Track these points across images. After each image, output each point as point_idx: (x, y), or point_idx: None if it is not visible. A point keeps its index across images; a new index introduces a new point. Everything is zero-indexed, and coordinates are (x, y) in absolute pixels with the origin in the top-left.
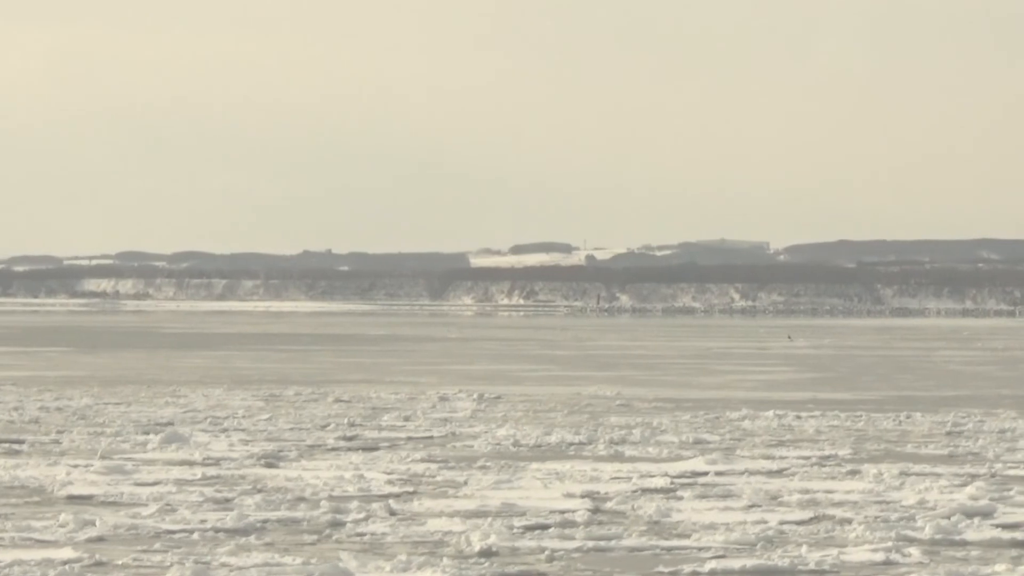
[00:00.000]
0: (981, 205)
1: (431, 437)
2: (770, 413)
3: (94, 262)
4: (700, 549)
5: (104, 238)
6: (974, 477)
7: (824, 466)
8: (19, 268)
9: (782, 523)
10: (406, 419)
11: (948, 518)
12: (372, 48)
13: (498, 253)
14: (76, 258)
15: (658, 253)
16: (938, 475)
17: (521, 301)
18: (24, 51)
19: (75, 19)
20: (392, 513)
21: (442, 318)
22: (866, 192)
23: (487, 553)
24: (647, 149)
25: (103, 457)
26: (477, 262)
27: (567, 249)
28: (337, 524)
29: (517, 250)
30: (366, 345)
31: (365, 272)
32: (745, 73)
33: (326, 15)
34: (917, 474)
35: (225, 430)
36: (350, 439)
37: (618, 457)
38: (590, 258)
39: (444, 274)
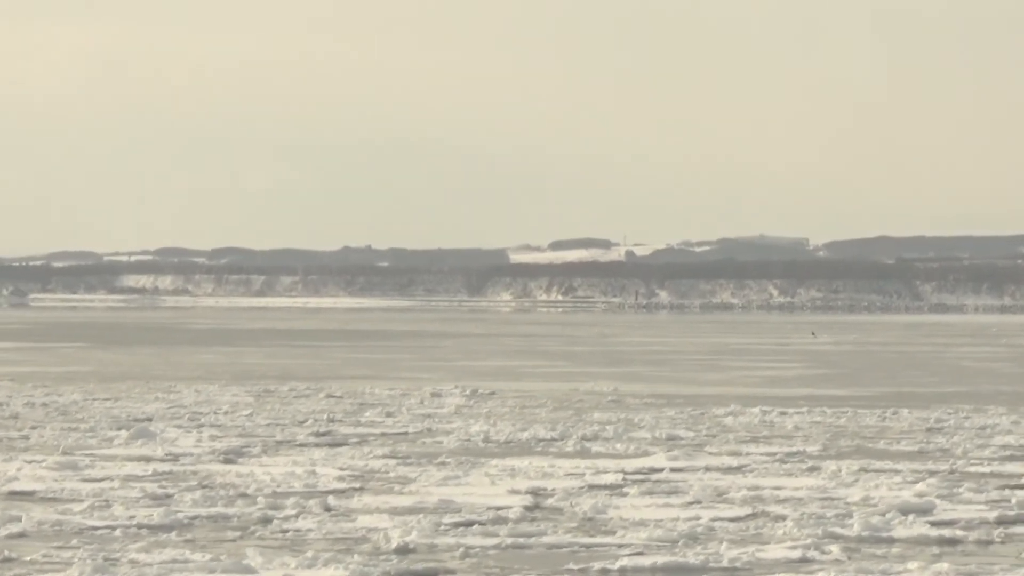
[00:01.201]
0: (1021, 201)
1: (405, 433)
2: (756, 409)
3: (134, 258)
4: (620, 546)
5: (144, 234)
6: (932, 474)
7: (786, 463)
8: (58, 264)
9: (715, 520)
10: (388, 415)
11: (883, 515)
12: (413, 44)
13: (537, 249)
14: (116, 254)
15: (697, 249)
16: (896, 471)
17: (559, 297)
18: (64, 49)
19: (115, 17)
20: (327, 509)
21: (476, 314)
22: (906, 188)
23: (403, 550)
24: (687, 145)
25: (64, 453)
26: (516, 258)
27: (607, 245)
28: (266, 520)
29: (557, 246)
30: (387, 341)
31: (404, 268)
32: (786, 69)
33: (363, 12)
34: (876, 470)
35: (201, 426)
36: (322, 435)
37: (583, 453)
38: (629, 254)
39: (483, 270)
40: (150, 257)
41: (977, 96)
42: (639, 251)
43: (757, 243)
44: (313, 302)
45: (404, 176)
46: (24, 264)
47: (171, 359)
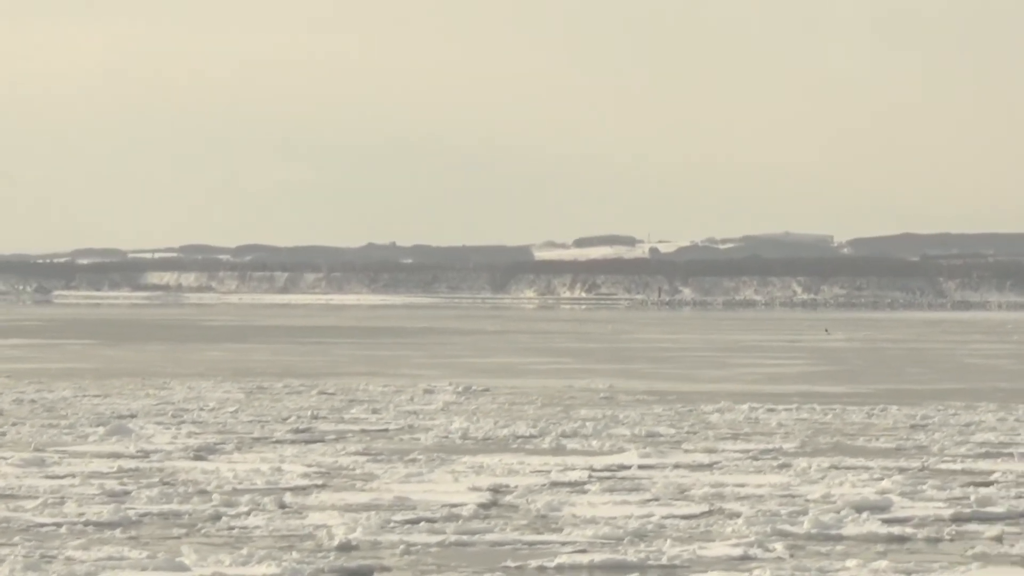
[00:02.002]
0: None
1: (386, 430)
2: (745, 406)
3: (157, 255)
4: (564, 544)
5: (168, 231)
6: (901, 471)
7: (758, 459)
8: (83, 261)
9: (667, 517)
10: (374, 412)
11: (838, 512)
12: (439, 41)
13: (562, 246)
14: (140, 251)
15: (722, 246)
16: (866, 468)
17: (583, 294)
18: (87, 46)
19: (137, 15)
20: (282, 506)
21: (497, 311)
22: (931, 185)
23: (345, 547)
24: (712, 142)
25: (36, 450)
26: (541, 255)
27: (631, 242)
28: (216, 518)
29: (581, 243)
30: (399, 338)
31: (428, 265)
32: (811, 66)
33: (385, 9)
34: (846, 467)
35: (182, 422)
36: (301, 431)
37: (557, 450)
38: (654, 251)
39: (507, 267)
40: (174, 254)
41: (1003, 93)
42: (664, 248)
43: (782, 240)
44: (336, 299)
45: (429, 173)
46: (48, 261)
47: (176, 356)
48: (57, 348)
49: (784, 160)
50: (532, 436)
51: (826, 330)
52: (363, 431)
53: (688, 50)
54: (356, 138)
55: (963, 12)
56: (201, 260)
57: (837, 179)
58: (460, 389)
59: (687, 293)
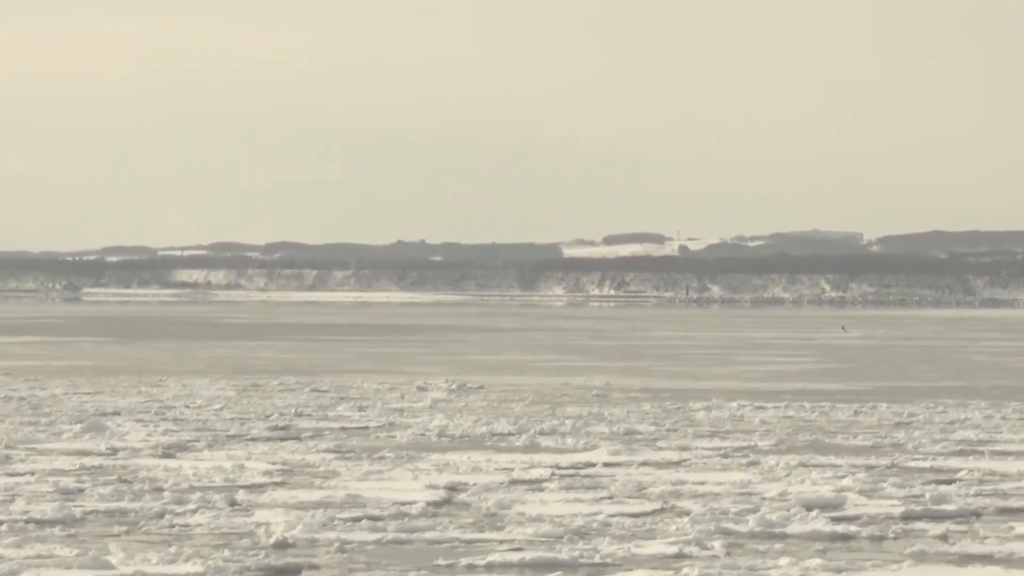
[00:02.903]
0: None
1: (366, 427)
2: (735, 404)
3: (187, 253)
4: (502, 542)
5: (198, 229)
6: (869, 468)
7: (728, 457)
8: (112, 259)
9: (616, 515)
10: (360, 409)
11: (788, 510)
12: (465, 40)
13: (591, 243)
14: (170, 249)
15: (751, 243)
16: (835, 466)
17: (612, 292)
18: (120, 44)
19: (170, 13)
20: (232, 504)
21: (524, 309)
22: (960, 183)
23: (280, 545)
24: (741, 139)
25: (7, 447)
26: (570, 252)
27: (660, 240)
28: (160, 515)
29: (610, 240)
30: (412, 336)
31: (457, 263)
32: (841, 62)
33: (414, 9)
34: (814, 465)
35: (164, 419)
36: (279, 429)
37: (529, 448)
38: (683, 249)
39: (536, 265)
40: (204, 252)
41: None
42: (693, 246)
43: (810, 238)
44: (365, 296)
45: (460, 171)
46: (78, 259)
47: (183, 353)
48: (66, 345)
49: (814, 157)
50: (509, 434)
51: (843, 328)
52: (342, 428)
53: (717, 47)
54: (386, 136)
55: (994, 6)
56: (230, 258)
57: (867, 176)
58: (454, 386)
59: (715, 291)
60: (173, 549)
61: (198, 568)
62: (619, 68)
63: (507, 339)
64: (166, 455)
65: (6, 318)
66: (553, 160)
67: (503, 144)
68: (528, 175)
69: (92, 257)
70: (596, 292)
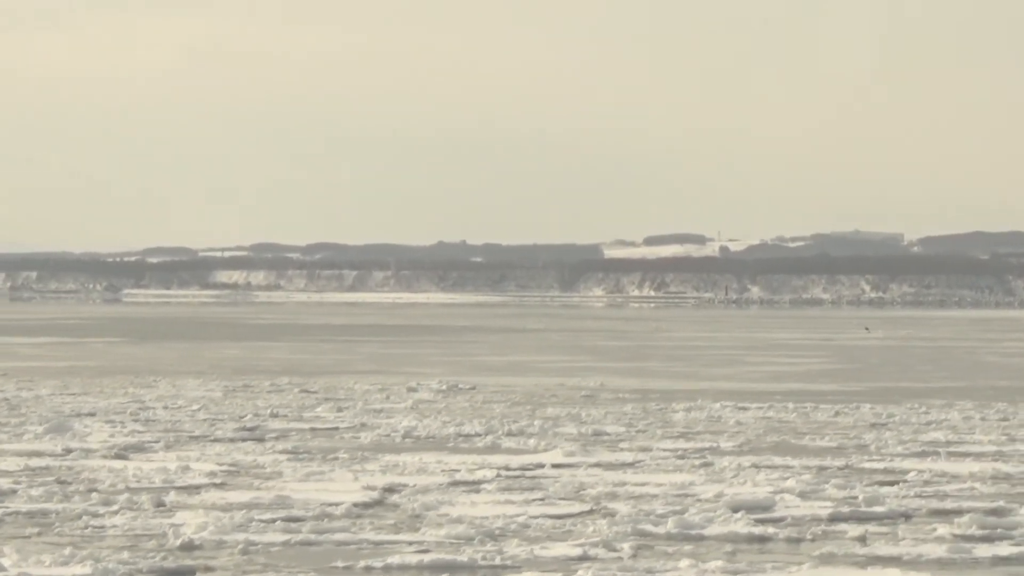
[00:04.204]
0: None
1: (336, 428)
2: (717, 405)
3: (228, 254)
4: (411, 543)
5: (239, 230)
6: (820, 470)
7: (684, 459)
8: (153, 260)
9: (539, 517)
10: (339, 410)
11: (714, 512)
12: (505, 41)
13: (632, 244)
14: (211, 250)
15: (791, 244)
16: (787, 467)
17: (652, 293)
18: (158, 43)
19: (208, 11)
20: (158, 505)
21: (560, 310)
22: (1002, 184)
23: (186, 546)
24: (783, 140)
25: None
26: (610, 253)
27: (701, 240)
28: (78, 517)
29: (651, 241)
30: (432, 336)
31: (497, 263)
32: (880, 65)
33: (459, 8)
34: (766, 466)
35: (135, 420)
36: (247, 430)
37: (488, 449)
38: (723, 249)
39: (576, 265)
40: (244, 253)
41: None
42: (733, 246)
43: (851, 238)
44: (405, 297)
45: (501, 171)
46: (119, 260)
47: (190, 354)
48: (78, 346)
49: (855, 158)
50: (476, 435)
51: (866, 328)
52: (311, 429)
53: (759, 49)
54: (428, 136)
55: None
56: (270, 259)
57: (908, 177)
58: (444, 387)
59: (755, 292)
60: (68, 551)
61: (87, 570)
62: (664, 69)
63: (525, 340)
64: (118, 456)
65: (36, 319)
66: (595, 161)
67: (545, 145)
68: (570, 176)
69: (133, 258)
70: (636, 293)
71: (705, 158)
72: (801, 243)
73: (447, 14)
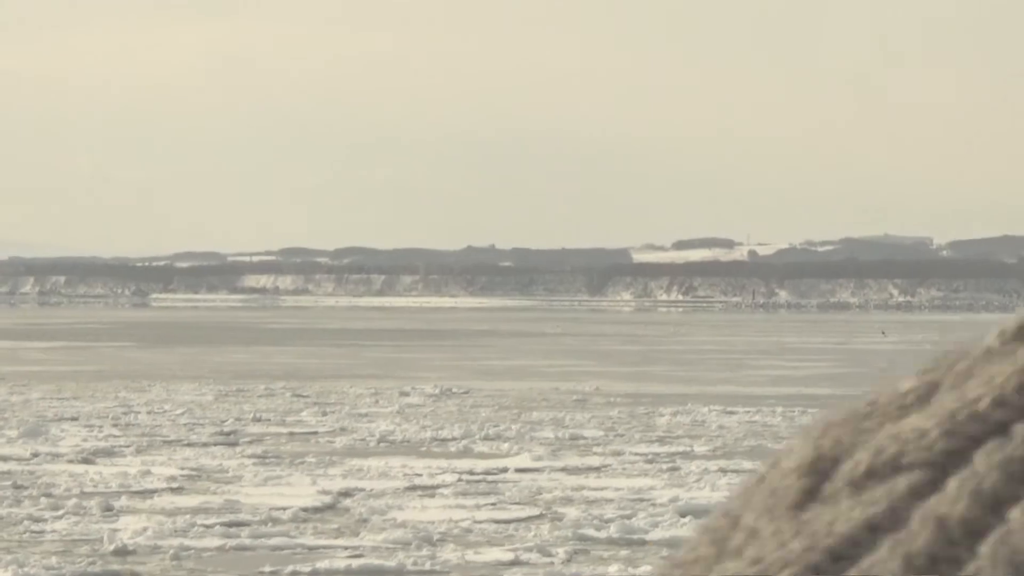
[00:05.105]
0: None
1: (314, 433)
2: (705, 409)
3: (256, 258)
4: (346, 548)
5: (268, 235)
6: None
7: (652, 463)
8: (182, 264)
9: (484, 521)
10: (323, 414)
11: (661, 516)
12: (539, 42)
13: (661, 248)
14: (240, 254)
15: (820, 248)
16: (743, 471)
17: (680, 297)
18: (186, 47)
19: (237, 16)
20: (106, 510)
21: (584, 315)
22: None
23: (119, 551)
24: (812, 144)
25: None
26: (639, 257)
27: (730, 244)
28: (21, 521)
29: (680, 245)
30: (445, 340)
31: (525, 268)
32: (910, 69)
33: (483, 10)
34: (731, 471)
35: (115, 425)
36: (224, 434)
37: (456, 454)
38: (752, 253)
39: (604, 270)
40: (273, 257)
41: None
42: (762, 251)
43: (881, 242)
44: (433, 301)
45: (529, 175)
46: (148, 264)
47: (195, 358)
48: (86, 350)
49: (885, 162)
50: (452, 439)
51: (883, 332)
52: (289, 433)
53: (788, 53)
54: (456, 140)
55: None
56: (299, 263)
57: (938, 181)
58: (437, 391)
59: (783, 295)
60: None
61: (8, 575)
62: (694, 73)
63: (537, 344)
64: (84, 460)
65: (57, 323)
66: (624, 165)
67: (575, 149)
68: (599, 180)
69: (162, 263)
70: (664, 297)
71: (735, 162)
72: (830, 247)
73: (476, 17)
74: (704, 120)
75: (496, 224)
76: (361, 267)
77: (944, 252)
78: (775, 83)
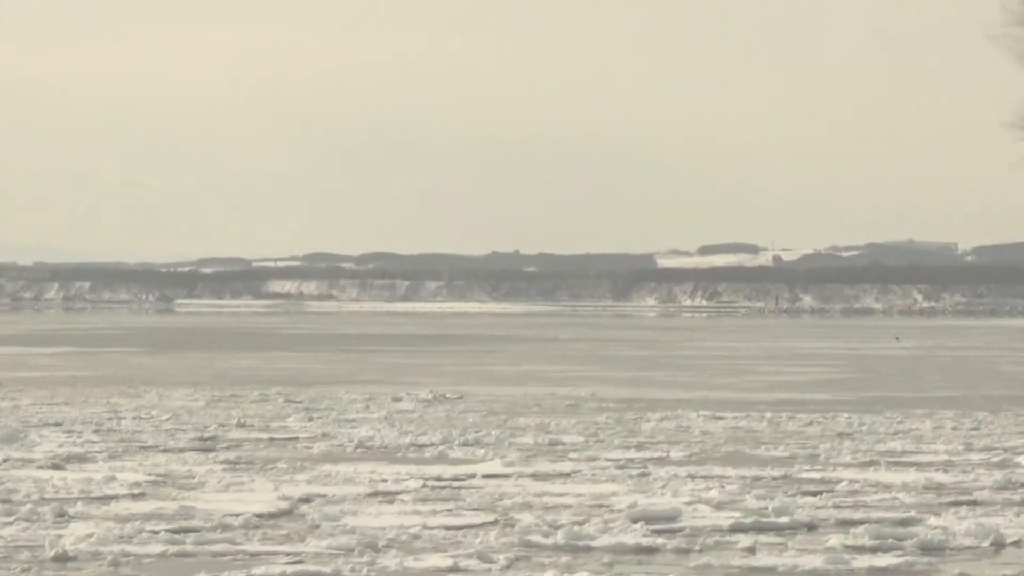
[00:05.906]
0: None
1: (294, 439)
2: (694, 415)
3: (281, 264)
4: (289, 554)
5: (293, 240)
6: (754, 480)
7: (623, 468)
8: (207, 270)
9: (436, 528)
10: (309, 420)
11: (612, 521)
12: (560, 49)
13: (685, 254)
14: (264, 260)
15: (845, 254)
16: (723, 478)
17: (704, 302)
18: (210, 53)
19: (261, 20)
20: (60, 516)
21: (606, 320)
22: None
23: (58, 558)
24: (837, 149)
25: None
26: (664, 263)
27: (754, 250)
28: None
29: (704, 251)
30: (452, 346)
31: (550, 273)
32: (936, 74)
33: (508, 15)
34: (702, 477)
35: (96, 431)
36: (204, 440)
37: (430, 460)
38: (777, 259)
39: (629, 275)
40: (298, 263)
41: None
42: (787, 256)
43: (905, 248)
44: (457, 307)
45: (554, 180)
46: (172, 270)
47: (198, 364)
48: (91, 356)
49: (910, 168)
50: (431, 445)
51: (896, 338)
52: (269, 439)
53: (814, 61)
54: (481, 145)
55: None
56: (324, 268)
57: (963, 186)
58: (430, 397)
59: (807, 301)
60: None
61: None
62: (719, 78)
63: (547, 350)
64: (54, 467)
65: (74, 329)
66: (649, 170)
67: (599, 154)
68: (624, 185)
69: (187, 268)
70: (688, 303)
71: (760, 168)
72: (855, 252)
73: (499, 21)
74: (730, 125)
75: (521, 229)
76: (385, 272)
77: (969, 257)
78: (801, 88)
